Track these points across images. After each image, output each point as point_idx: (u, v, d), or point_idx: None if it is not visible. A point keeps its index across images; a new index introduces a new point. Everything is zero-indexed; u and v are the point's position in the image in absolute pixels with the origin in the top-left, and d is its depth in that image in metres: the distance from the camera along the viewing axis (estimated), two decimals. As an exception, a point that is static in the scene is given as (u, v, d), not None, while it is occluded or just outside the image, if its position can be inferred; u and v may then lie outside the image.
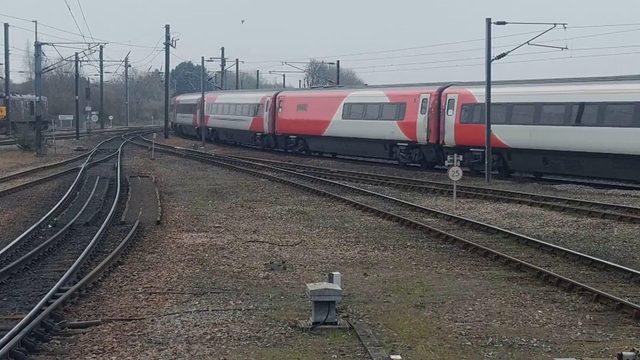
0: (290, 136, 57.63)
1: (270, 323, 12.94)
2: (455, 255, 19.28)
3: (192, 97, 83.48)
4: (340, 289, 12.99)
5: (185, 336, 12.19)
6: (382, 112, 47.14)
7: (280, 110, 59.16)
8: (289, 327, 12.69)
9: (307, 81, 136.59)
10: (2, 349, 10.81)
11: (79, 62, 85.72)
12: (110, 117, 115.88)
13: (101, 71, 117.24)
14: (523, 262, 17.71)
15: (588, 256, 18.39)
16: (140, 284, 15.85)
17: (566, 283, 15.64)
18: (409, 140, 44.66)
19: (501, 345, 11.92)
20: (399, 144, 45.53)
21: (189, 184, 36.26)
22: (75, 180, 35.69)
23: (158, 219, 24.60)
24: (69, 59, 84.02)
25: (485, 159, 37.78)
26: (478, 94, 39.87)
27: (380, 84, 53.55)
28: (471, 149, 39.69)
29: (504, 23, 38.19)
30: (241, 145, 67.87)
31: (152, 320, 13.07)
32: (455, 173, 28.17)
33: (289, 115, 58.05)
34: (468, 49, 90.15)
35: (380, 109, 47.38)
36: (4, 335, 11.34)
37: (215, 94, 77.62)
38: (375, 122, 47.37)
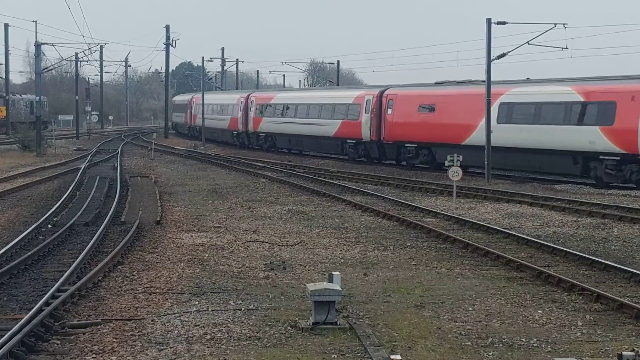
0: (407, 145, 45.43)
1: (270, 323, 12.94)
2: (455, 255, 19.27)
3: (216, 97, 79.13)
4: (340, 289, 12.99)
5: (185, 336, 12.19)
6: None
7: (389, 111, 47.17)
8: (289, 327, 12.69)
9: (307, 81, 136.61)
10: (2, 349, 10.81)
11: (79, 62, 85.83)
12: (110, 117, 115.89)
13: (101, 71, 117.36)
14: (523, 262, 17.71)
15: (588, 256, 18.39)
16: (140, 284, 15.85)
17: (566, 283, 15.64)
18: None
19: (501, 345, 11.92)
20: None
21: (189, 184, 36.26)
22: (75, 180, 35.69)
23: (158, 219, 24.60)
24: (69, 59, 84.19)
25: (485, 159, 37.77)
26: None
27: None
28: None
29: (504, 23, 38.18)
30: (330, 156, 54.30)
31: (152, 320, 13.07)
32: (455, 173, 28.17)
33: (404, 117, 46.05)
34: (468, 49, 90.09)
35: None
36: (4, 335, 11.34)
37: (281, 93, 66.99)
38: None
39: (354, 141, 50.09)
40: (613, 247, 20.54)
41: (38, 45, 61.22)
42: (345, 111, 51.24)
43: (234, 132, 67.70)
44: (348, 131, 50.64)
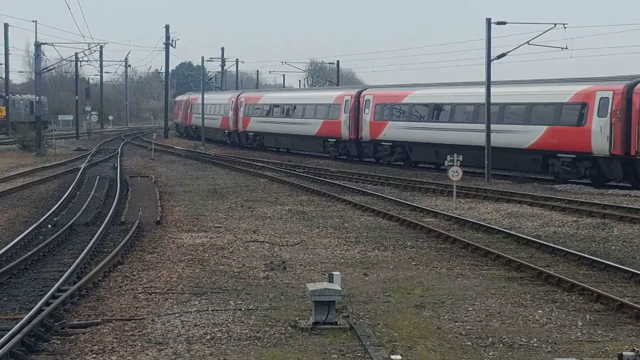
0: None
1: (270, 323, 12.94)
2: (455, 255, 19.27)
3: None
4: (340, 289, 12.99)
5: (185, 336, 12.19)
6: None
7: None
8: (289, 327, 12.69)
9: (307, 81, 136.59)
10: (2, 349, 10.81)
11: (78, 62, 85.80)
12: (110, 117, 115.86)
13: (101, 71, 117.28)
14: (523, 262, 17.71)
15: (588, 256, 18.39)
16: (140, 284, 15.85)
17: (566, 283, 15.64)
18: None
19: (501, 345, 11.93)
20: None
21: (189, 184, 36.26)
22: (75, 180, 35.69)
23: (158, 219, 24.60)
24: (68, 59, 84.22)
25: (485, 159, 37.79)
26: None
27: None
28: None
29: (504, 23, 38.19)
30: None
31: (152, 320, 13.07)
32: (455, 173, 28.18)
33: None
34: (468, 49, 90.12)
35: None
36: (4, 335, 11.34)
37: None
38: None
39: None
40: (613, 247, 20.54)
41: (38, 45, 61.22)
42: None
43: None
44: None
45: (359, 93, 50.56)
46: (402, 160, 46.42)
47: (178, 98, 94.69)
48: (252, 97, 66.21)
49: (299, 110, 56.78)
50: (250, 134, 64.34)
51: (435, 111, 43.70)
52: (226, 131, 69.23)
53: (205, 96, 75.58)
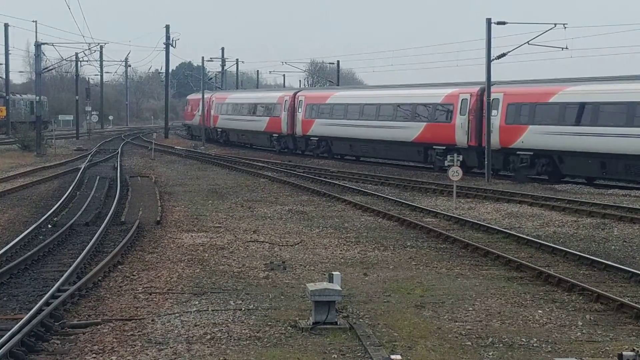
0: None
1: (270, 323, 12.94)
2: (455, 255, 19.27)
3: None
4: (340, 288, 12.99)
5: (185, 336, 12.19)
6: None
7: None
8: (289, 327, 12.69)
9: (307, 81, 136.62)
10: (2, 349, 10.81)
11: (79, 62, 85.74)
12: (110, 117, 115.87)
13: (101, 71, 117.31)
14: (523, 262, 17.71)
15: (588, 256, 18.39)
16: (140, 284, 15.85)
17: (566, 283, 15.64)
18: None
19: (501, 345, 11.93)
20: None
21: (189, 184, 36.26)
22: (75, 180, 35.69)
23: (158, 219, 24.60)
24: (69, 59, 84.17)
25: (485, 159, 37.82)
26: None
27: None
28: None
29: (504, 23, 38.20)
30: None
31: (152, 320, 13.07)
32: (455, 173, 28.17)
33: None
34: (468, 49, 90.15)
35: None
36: (4, 335, 11.34)
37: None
38: None
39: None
40: (613, 247, 20.54)
41: (38, 45, 61.23)
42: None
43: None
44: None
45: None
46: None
47: (192, 97, 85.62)
48: (316, 95, 57.59)
49: (386, 111, 47.69)
50: (313, 138, 55.31)
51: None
52: (275, 135, 60.53)
53: (237, 95, 72.72)
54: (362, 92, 54.13)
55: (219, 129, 71.46)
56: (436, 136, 42.76)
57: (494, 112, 38.74)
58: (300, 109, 56.91)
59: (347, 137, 50.85)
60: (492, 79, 38.51)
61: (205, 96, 76.40)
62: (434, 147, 42.76)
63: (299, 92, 59.22)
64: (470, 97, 40.76)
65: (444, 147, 41.62)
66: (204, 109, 74.40)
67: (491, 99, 38.43)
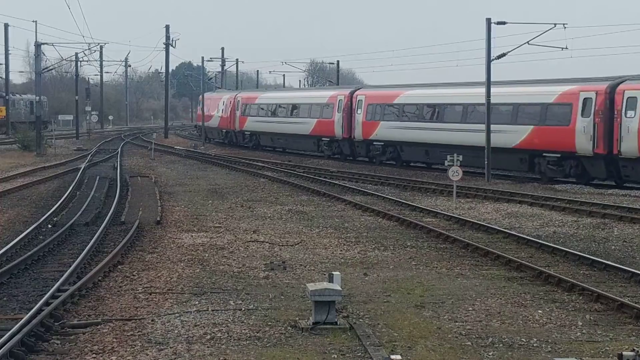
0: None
1: (270, 323, 12.94)
2: (455, 255, 19.27)
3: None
4: (340, 288, 12.99)
5: (185, 336, 12.19)
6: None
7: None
8: (289, 327, 12.69)
9: (307, 81, 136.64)
10: (2, 349, 10.81)
11: (79, 62, 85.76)
12: (110, 117, 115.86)
13: (101, 71, 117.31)
14: (523, 262, 17.70)
15: (588, 256, 18.39)
16: (140, 284, 15.85)
17: (566, 283, 15.64)
18: None
19: (501, 345, 11.93)
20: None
21: (189, 184, 36.26)
22: (75, 180, 35.69)
23: (158, 219, 24.60)
24: (69, 59, 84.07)
25: (485, 159, 37.81)
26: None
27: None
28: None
29: (504, 23, 38.20)
30: None
31: (152, 320, 13.07)
32: (455, 173, 28.17)
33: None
34: (468, 49, 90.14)
35: None
36: (4, 335, 11.34)
37: None
38: None
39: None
40: (613, 247, 20.54)
41: (38, 45, 61.21)
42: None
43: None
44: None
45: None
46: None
47: (208, 96, 76.69)
48: (380, 95, 49.15)
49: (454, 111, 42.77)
50: (377, 143, 47.96)
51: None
52: (325, 139, 53.55)
53: (271, 94, 64.63)
54: (438, 91, 45.02)
55: (246, 132, 64.01)
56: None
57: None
58: (359, 110, 48.96)
59: (421, 142, 44.09)
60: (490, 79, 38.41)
61: (225, 96, 70.21)
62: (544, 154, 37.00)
63: (357, 90, 51.54)
64: (596, 95, 34.90)
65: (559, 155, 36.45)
66: (234, 109, 66.09)
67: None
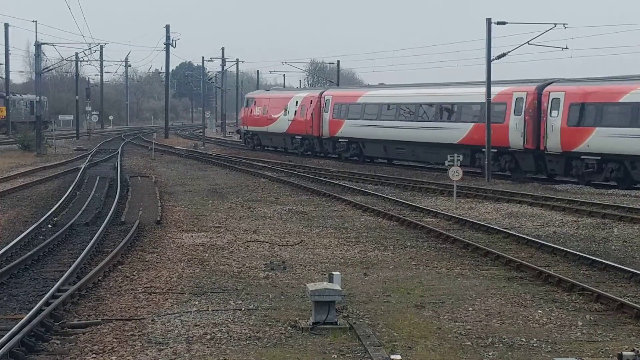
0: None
1: (270, 323, 12.94)
2: (455, 255, 19.27)
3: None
4: (340, 288, 12.99)
5: (185, 336, 12.19)
6: None
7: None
8: (289, 327, 12.69)
9: (307, 81, 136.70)
10: (2, 349, 10.81)
11: (79, 62, 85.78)
12: (111, 117, 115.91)
13: (101, 71, 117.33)
14: (523, 262, 17.70)
15: (588, 256, 18.39)
16: (140, 284, 15.85)
17: (566, 283, 15.64)
18: None
19: (501, 345, 11.93)
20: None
21: (189, 184, 36.26)
22: (75, 180, 35.68)
23: (158, 219, 24.60)
24: (69, 59, 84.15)
25: (486, 159, 37.85)
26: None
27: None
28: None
29: (504, 23, 38.21)
30: None
31: (152, 320, 13.07)
32: (455, 173, 28.17)
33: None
34: (468, 49, 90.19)
35: None
36: (4, 335, 11.34)
37: None
38: None
39: None
40: (613, 247, 20.54)
41: (38, 45, 61.21)
42: None
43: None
44: None
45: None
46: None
47: (267, 94, 64.27)
48: (592, 91, 36.02)
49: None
50: (589, 155, 35.41)
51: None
52: (510, 150, 39.28)
53: (377, 92, 50.69)
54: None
55: (341, 139, 51.05)
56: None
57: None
58: (556, 111, 36.39)
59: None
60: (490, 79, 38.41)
61: (298, 94, 58.41)
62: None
63: (548, 85, 37.73)
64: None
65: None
66: (318, 111, 53.68)
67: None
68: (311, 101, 54.87)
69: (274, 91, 66.58)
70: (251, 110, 63.52)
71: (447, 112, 43.27)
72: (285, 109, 57.99)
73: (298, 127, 56.32)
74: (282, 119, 58.35)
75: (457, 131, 41.67)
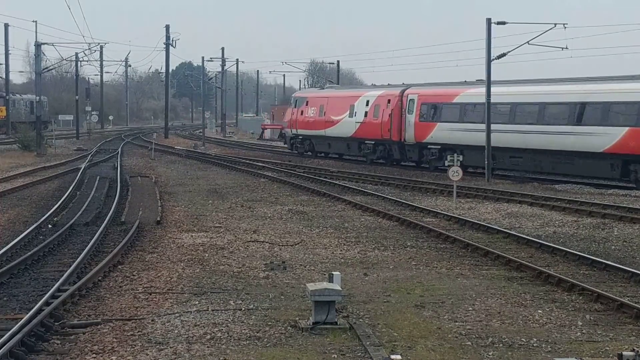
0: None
1: (270, 323, 12.94)
2: (455, 255, 19.27)
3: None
4: (340, 288, 12.99)
5: (185, 336, 12.19)
6: None
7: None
8: (289, 327, 12.69)
9: (307, 81, 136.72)
10: (2, 349, 10.81)
11: (79, 62, 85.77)
12: (110, 117, 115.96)
13: (101, 71, 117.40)
14: (523, 262, 17.70)
15: (588, 256, 18.39)
16: (140, 284, 15.84)
17: (566, 283, 15.64)
18: None
19: (501, 345, 11.93)
20: None
21: (189, 184, 36.26)
22: (75, 180, 35.68)
23: (158, 219, 24.59)
24: (69, 59, 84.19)
25: (485, 159, 37.83)
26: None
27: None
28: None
29: (504, 23, 38.23)
30: None
31: (152, 320, 13.07)
32: (455, 173, 28.17)
33: None
34: (468, 49, 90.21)
35: None
36: (4, 335, 11.34)
37: None
38: None
39: None
40: (613, 247, 20.54)
41: (38, 45, 61.23)
42: None
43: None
44: None
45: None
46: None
47: (324, 93, 56.46)
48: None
49: None
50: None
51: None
52: None
53: (474, 91, 41.69)
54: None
55: (432, 146, 43.45)
56: None
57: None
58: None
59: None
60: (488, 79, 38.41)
61: (371, 92, 49.90)
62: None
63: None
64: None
65: None
66: (399, 112, 46.20)
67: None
68: (389, 100, 47.11)
69: (331, 89, 57.50)
70: (302, 111, 56.06)
71: (590, 113, 35.18)
72: (351, 110, 50.27)
73: (369, 131, 48.47)
74: (347, 122, 50.67)
75: (604, 137, 34.36)
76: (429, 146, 43.99)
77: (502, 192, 31.67)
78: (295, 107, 57.64)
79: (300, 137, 56.90)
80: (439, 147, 42.94)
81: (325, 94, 55.52)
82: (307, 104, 55.91)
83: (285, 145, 61.05)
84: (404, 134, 45.92)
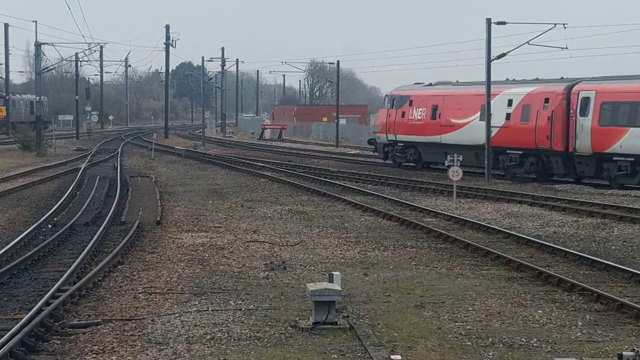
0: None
1: (270, 323, 12.94)
2: (455, 255, 19.27)
3: None
4: (340, 289, 12.99)
5: (185, 336, 12.19)
6: None
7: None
8: (289, 327, 12.69)
9: (307, 81, 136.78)
10: (2, 349, 10.81)
11: (79, 62, 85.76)
12: (110, 117, 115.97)
13: (101, 71, 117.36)
14: (523, 262, 17.70)
15: (588, 256, 18.39)
16: (140, 284, 15.84)
17: (566, 283, 15.64)
18: None
19: (501, 345, 11.92)
20: None
21: (189, 184, 36.25)
22: (75, 180, 35.68)
23: (158, 219, 24.59)
24: (69, 59, 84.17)
25: (485, 159, 37.80)
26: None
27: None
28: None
29: (504, 23, 38.23)
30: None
31: (152, 320, 13.07)
32: (455, 173, 28.17)
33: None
34: (468, 49, 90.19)
35: None
36: (4, 335, 11.34)
37: None
38: None
39: None
40: (613, 247, 20.54)
41: (38, 45, 61.24)
42: None
43: None
44: None
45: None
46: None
47: (433, 91, 45.81)
48: None
49: None
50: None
51: None
52: None
53: None
54: None
55: (620, 157, 33.84)
56: None
57: None
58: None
59: None
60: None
61: (537, 89, 38.37)
62: None
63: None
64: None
65: None
66: (564, 114, 36.25)
67: None
68: (546, 99, 37.36)
69: (446, 86, 45.56)
70: (402, 112, 46.21)
71: None
72: (483, 111, 39.59)
73: (514, 138, 38.85)
74: (476, 126, 40.68)
75: None
76: (614, 158, 34.31)
77: (502, 192, 31.66)
78: (391, 107, 47.35)
79: (401, 144, 46.64)
80: (633, 159, 33.58)
81: (438, 91, 45.01)
82: (410, 104, 45.96)
83: (376, 154, 50.70)
84: (572, 142, 35.76)
